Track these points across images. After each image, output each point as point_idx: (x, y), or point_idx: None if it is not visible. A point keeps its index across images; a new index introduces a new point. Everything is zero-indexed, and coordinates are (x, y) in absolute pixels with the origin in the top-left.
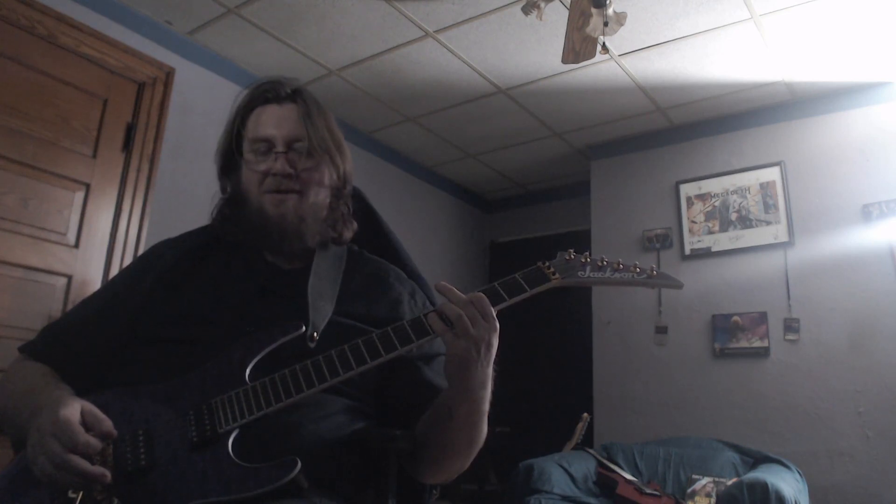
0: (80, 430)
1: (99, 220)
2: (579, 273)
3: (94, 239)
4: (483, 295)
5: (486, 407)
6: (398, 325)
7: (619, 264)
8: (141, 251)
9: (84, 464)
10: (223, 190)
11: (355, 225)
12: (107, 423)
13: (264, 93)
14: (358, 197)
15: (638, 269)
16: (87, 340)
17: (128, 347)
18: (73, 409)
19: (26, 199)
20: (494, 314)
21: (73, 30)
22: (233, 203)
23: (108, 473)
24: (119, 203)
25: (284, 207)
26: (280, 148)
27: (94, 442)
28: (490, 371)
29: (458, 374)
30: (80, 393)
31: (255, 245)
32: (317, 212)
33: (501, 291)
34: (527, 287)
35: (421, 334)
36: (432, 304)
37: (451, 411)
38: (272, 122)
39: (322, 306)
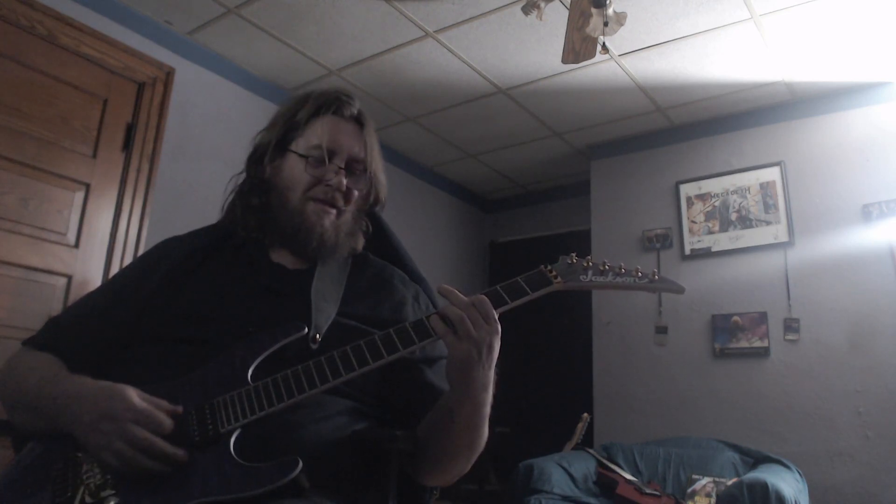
0: (163, 415)
1: (99, 220)
2: (581, 277)
3: (94, 239)
4: (485, 297)
5: (488, 410)
6: (400, 326)
7: (621, 268)
8: (141, 251)
9: (171, 448)
10: (253, 175)
11: (368, 231)
12: (168, 404)
13: (336, 103)
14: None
15: (640, 274)
16: (90, 334)
17: (131, 345)
18: (137, 394)
19: (26, 199)
20: (496, 317)
21: (73, 30)
22: (264, 192)
23: (186, 454)
24: (119, 203)
25: (327, 220)
26: (341, 163)
27: (169, 423)
28: (491, 374)
29: (459, 377)
30: None
31: (274, 240)
32: (345, 226)
33: (504, 294)
34: (529, 290)
35: (423, 336)
36: (435, 306)
37: (453, 414)
38: (340, 135)
39: (325, 307)
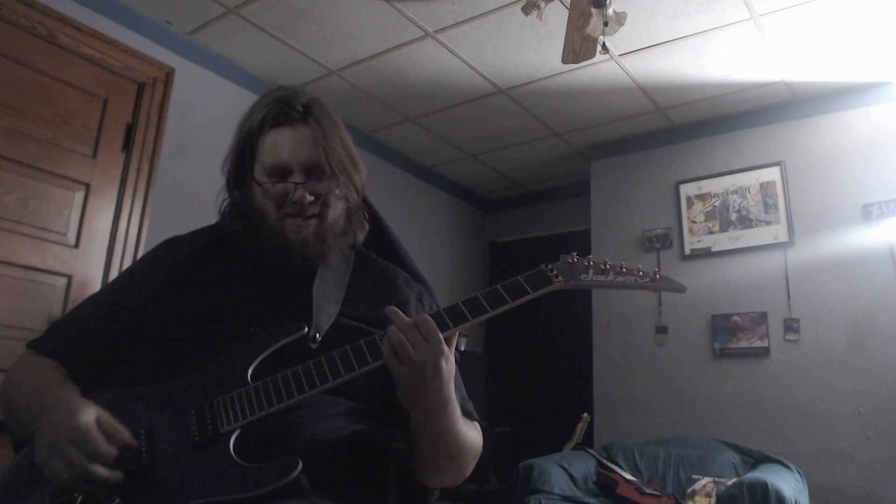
0: (102, 439)
1: (99, 220)
2: (582, 276)
3: (94, 239)
4: (428, 317)
5: (455, 426)
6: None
7: (622, 267)
8: (141, 251)
9: (106, 473)
10: (233, 202)
11: (367, 225)
12: (125, 434)
13: (275, 114)
14: (363, 200)
15: (641, 273)
16: (94, 337)
17: (132, 345)
18: (90, 415)
19: (26, 199)
20: (441, 336)
21: (73, 30)
22: (246, 218)
23: (121, 480)
24: (119, 203)
25: (306, 232)
26: (298, 178)
27: (114, 451)
28: (447, 393)
29: (409, 401)
30: (84, 390)
31: (271, 258)
32: (335, 227)
33: (504, 294)
34: (529, 290)
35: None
36: (438, 307)
37: (417, 436)
38: (287, 148)
39: (326, 307)
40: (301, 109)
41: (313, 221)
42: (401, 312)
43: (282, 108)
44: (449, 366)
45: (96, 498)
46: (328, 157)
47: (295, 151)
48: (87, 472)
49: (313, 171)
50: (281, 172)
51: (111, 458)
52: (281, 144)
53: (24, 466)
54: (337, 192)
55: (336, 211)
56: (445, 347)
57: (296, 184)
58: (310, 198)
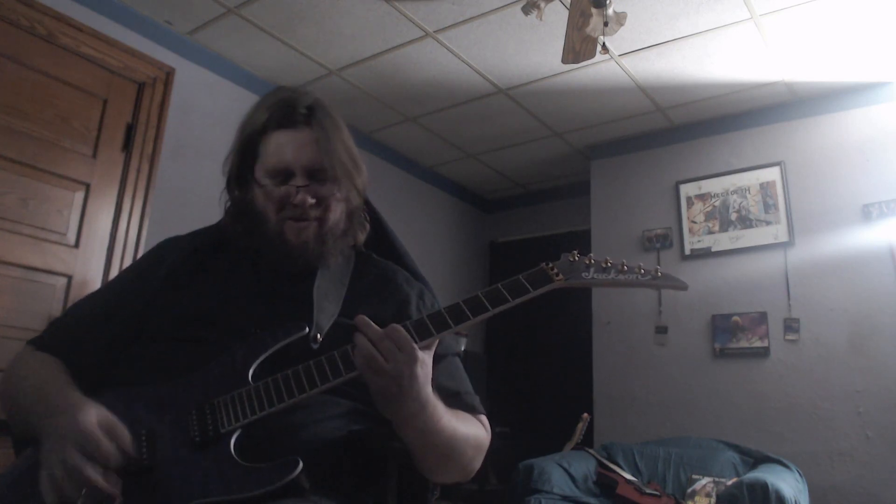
0: (104, 440)
1: (99, 220)
2: (583, 274)
3: (94, 239)
4: (398, 326)
5: (438, 423)
6: (402, 325)
7: (623, 266)
8: (141, 251)
9: (97, 476)
10: (233, 202)
11: (367, 226)
12: (126, 434)
13: (279, 115)
14: (364, 201)
15: (642, 271)
16: (94, 335)
17: (132, 345)
18: (91, 415)
19: (26, 199)
20: (413, 345)
21: (73, 30)
22: (246, 218)
23: (119, 496)
24: (119, 203)
25: (306, 235)
26: (300, 181)
27: (115, 453)
28: (425, 396)
29: (386, 409)
30: (84, 390)
31: (270, 259)
32: (335, 230)
33: (505, 293)
34: (530, 288)
35: (424, 335)
36: (438, 305)
37: (403, 438)
38: (289, 151)
39: (327, 307)
40: (304, 111)
41: (314, 224)
42: (371, 322)
43: (285, 109)
44: (425, 370)
45: (96, 499)
46: (331, 161)
47: (297, 154)
48: (80, 472)
49: (315, 174)
50: (283, 175)
51: (112, 458)
52: (284, 146)
53: (25, 467)
54: (338, 195)
55: (336, 213)
56: (419, 353)
57: (298, 187)
58: (311, 201)
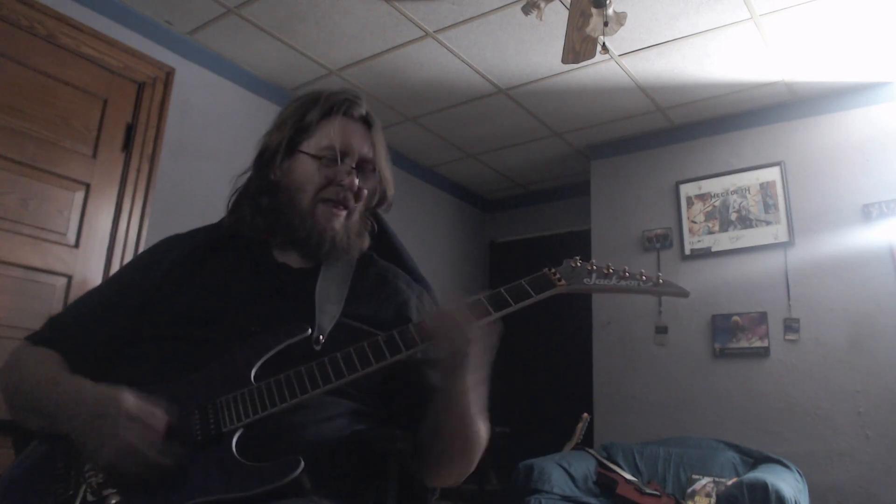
0: (157, 419)
1: (99, 220)
2: (585, 280)
3: (94, 239)
4: (466, 307)
5: (473, 412)
6: (403, 328)
7: (625, 272)
8: (141, 251)
9: (159, 455)
10: (260, 177)
11: (374, 226)
12: (161, 410)
13: (346, 104)
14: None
15: (644, 278)
16: (93, 331)
17: (133, 344)
18: (130, 398)
19: (26, 199)
20: (476, 325)
21: (73, 30)
22: (276, 193)
23: (174, 463)
24: (119, 203)
25: (336, 222)
26: (353, 164)
27: (163, 429)
28: (474, 378)
29: (443, 382)
30: None
31: (283, 241)
32: (354, 227)
33: (508, 297)
34: (533, 293)
35: (426, 338)
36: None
37: (441, 416)
38: (351, 136)
39: (329, 308)
40: (364, 112)
41: (344, 213)
42: (456, 297)
43: (352, 102)
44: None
45: (95, 493)
46: (380, 163)
47: (358, 141)
48: (140, 454)
49: (364, 167)
50: (334, 156)
51: (162, 435)
52: (348, 132)
53: (26, 467)
54: (371, 197)
55: (360, 210)
56: (482, 334)
57: (351, 167)
58: (357, 186)
